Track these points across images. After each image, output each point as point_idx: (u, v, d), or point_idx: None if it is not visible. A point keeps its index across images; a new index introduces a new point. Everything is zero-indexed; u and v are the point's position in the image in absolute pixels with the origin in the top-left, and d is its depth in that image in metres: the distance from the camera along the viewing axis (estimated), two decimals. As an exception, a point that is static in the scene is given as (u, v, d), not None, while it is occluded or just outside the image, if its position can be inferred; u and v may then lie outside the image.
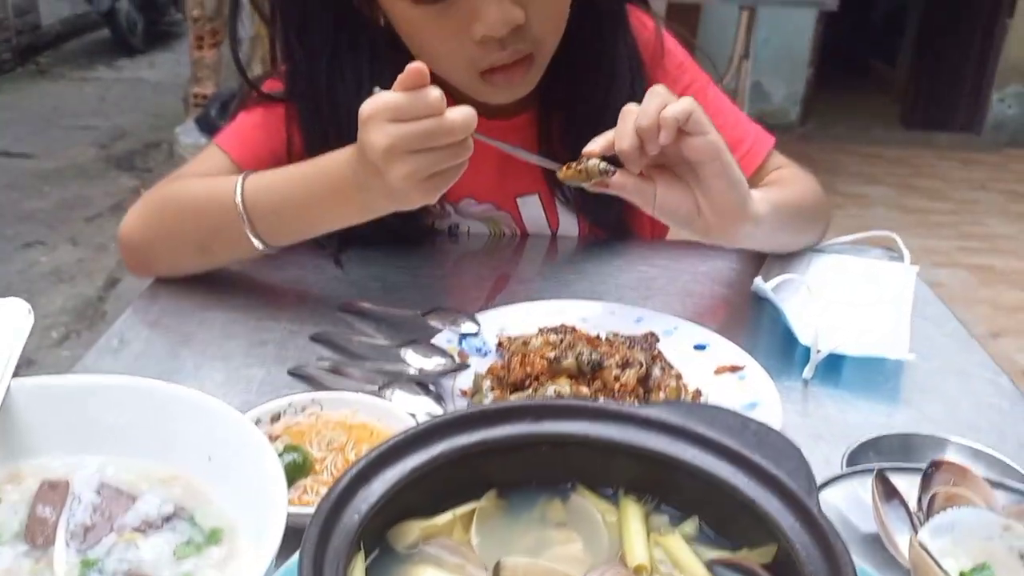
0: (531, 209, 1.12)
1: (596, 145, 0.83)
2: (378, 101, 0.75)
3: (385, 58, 0.97)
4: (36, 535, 0.49)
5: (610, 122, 1.01)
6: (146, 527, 0.50)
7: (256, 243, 0.89)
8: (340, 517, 0.46)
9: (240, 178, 0.88)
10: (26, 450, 0.55)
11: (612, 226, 1.15)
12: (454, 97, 1.02)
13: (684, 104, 0.80)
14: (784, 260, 0.98)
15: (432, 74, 0.92)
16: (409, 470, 0.50)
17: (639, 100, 1.00)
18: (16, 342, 0.57)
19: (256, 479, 0.50)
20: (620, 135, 0.82)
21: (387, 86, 0.83)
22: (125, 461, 0.55)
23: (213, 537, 0.50)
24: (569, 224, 1.13)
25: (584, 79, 1.03)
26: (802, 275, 0.93)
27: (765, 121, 4.67)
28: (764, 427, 0.54)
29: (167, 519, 0.51)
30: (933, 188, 4.96)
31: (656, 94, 0.82)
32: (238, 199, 0.87)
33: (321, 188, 0.84)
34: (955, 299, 3.80)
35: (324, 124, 0.98)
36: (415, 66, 0.74)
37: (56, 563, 0.48)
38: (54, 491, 0.52)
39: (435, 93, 0.74)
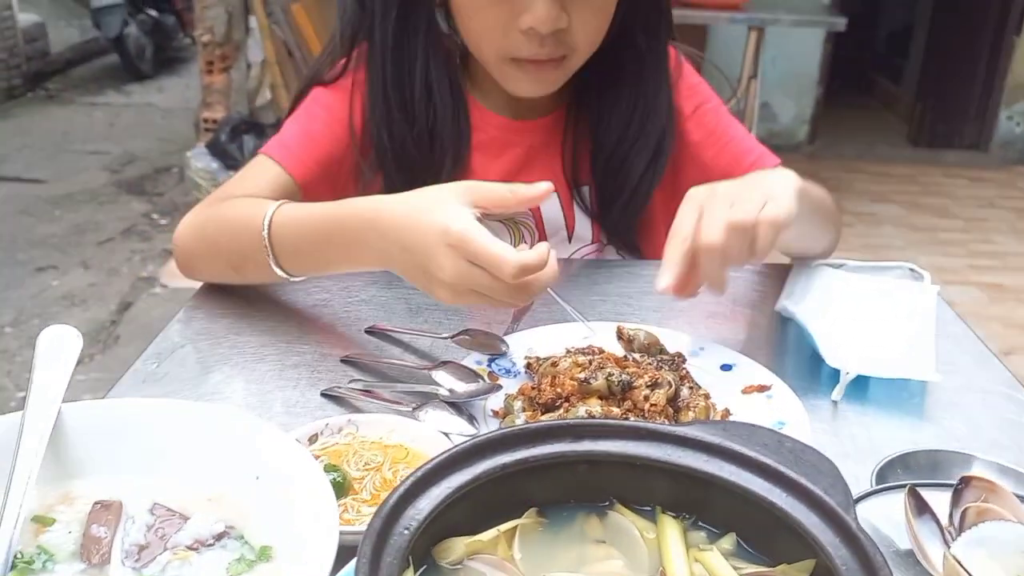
0: (551, 207, 1.16)
1: (666, 281, 0.81)
2: (471, 241, 0.74)
3: (438, 32, 1.08)
4: (92, 554, 0.51)
5: (637, 147, 1.06)
6: (199, 545, 0.52)
7: (280, 273, 0.92)
8: (390, 534, 0.47)
9: (271, 210, 0.91)
10: (76, 472, 0.57)
11: (624, 240, 1.20)
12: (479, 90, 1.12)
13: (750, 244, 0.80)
14: (806, 280, 0.99)
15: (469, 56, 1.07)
16: (453, 488, 0.51)
17: (671, 130, 1.08)
18: (66, 368, 0.58)
19: (304, 497, 0.51)
20: (711, 280, 0.82)
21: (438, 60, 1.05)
22: (173, 481, 0.56)
23: (263, 554, 0.52)
24: (584, 227, 1.18)
25: (619, 95, 1.12)
26: (826, 296, 0.94)
27: (773, 142, 4.71)
28: (800, 444, 0.55)
29: (218, 537, 0.52)
30: (942, 206, 4.97)
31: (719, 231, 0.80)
32: (265, 231, 0.90)
33: (340, 242, 0.86)
34: (966, 317, 3.79)
35: (387, 89, 1.07)
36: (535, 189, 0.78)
37: (112, 581, 0.49)
38: (107, 511, 0.53)
39: (514, 266, 0.74)
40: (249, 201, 0.97)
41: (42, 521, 0.53)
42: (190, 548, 0.51)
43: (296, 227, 0.90)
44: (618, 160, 1.12)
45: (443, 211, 0.77)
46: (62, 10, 8.38)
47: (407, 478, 0.50)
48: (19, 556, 0.50)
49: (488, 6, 0.98)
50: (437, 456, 0.52)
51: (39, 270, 4.16)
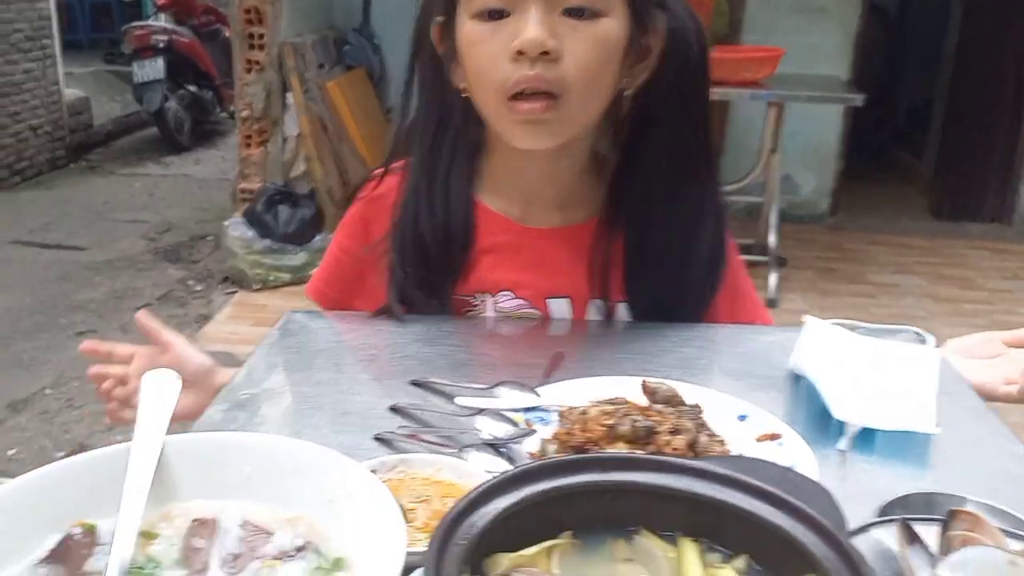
0: (559, 310, 1.21)
1: None
2: None
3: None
4: (194, 562, 0.59)
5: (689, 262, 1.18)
6: (282, 556, 0.60)
7: None
8: (450, 544, 0.55)
9: None
10: (174, 495, 0.65)
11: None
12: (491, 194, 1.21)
13: None
14: (818, 340, 1.06)
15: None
16: (500, 509, 0.60)
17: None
18: (167, 404, 0.67)
19: (373, 518, 0.60)
20: None
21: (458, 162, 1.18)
22: (256, 505, 0.65)
23: (337, 564, 0.60)
24: None
25: (663, 201, 1.17)
26: (835, 354, 1.02)
27: (796, 213, 4.82)
28: (800, 476, 0.63)
29: (298, 550, 0.61)
30: (965, 277, 5.02)
31: None
32: None
33: None
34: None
35: (419, 184, 1.18)
36: None
37: (213, 584, 0.58)
38: (204, 527, 0.62)
39: None
40: None
41: (148, 535, 0.61)
42: (275, 558, 0.60)
43: None
44: (666, 275, 1.18)
45: None
46: (105, 85, 8.73)
47: (462, 499, 0.58)
48: (132, 563, 0.59)
49: (486, 38, 1.04)
50: (486, 481, 0.60)
51: (79, 334, 4.30)
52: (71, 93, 7.62)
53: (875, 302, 4.60)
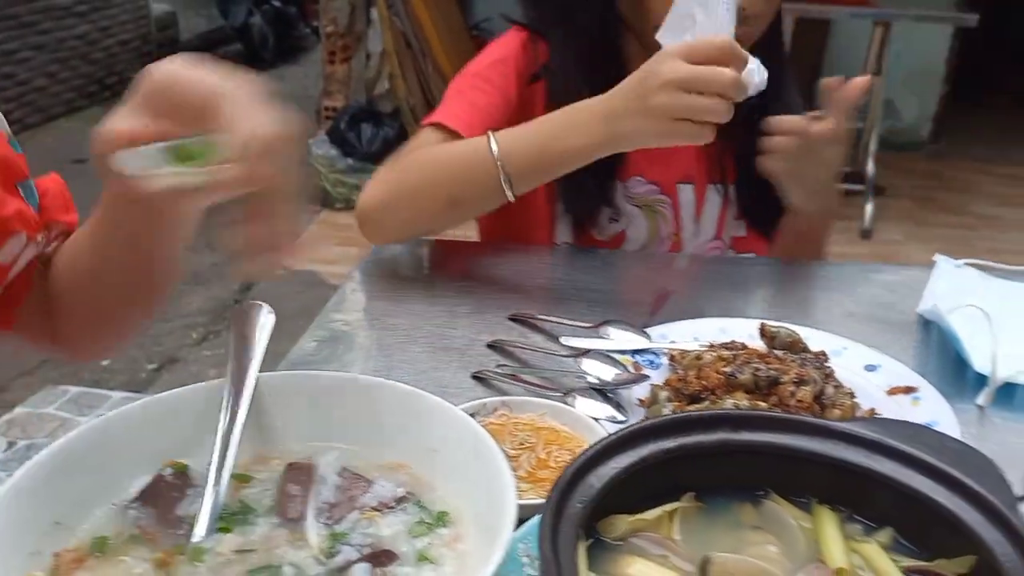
0: (686, 196, 1.24)
1: None
2: (684, 44, 0.90)
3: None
4: (288, 510, 0.55)
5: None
6: (383, 507, 0.56)
7: (508, 193, 1.02)
8: (567, 506, 0.50)
9: (489, 135, 1.02)
10: (268, 436, 0.62)
11: (764, 226, 1.25)
12: None
13: None
14: (951, 283, 0.98)
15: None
16: (620, 469, 0.54)
17: None
18: (261, 340, 0.63)
19: (480, 471, 0.55)
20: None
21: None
22: (354, 450, 0.61)
23: (440, 519, 0.55)
24: (709, 222, 1.25)
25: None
26: (972, 299, 0.93)
27: (895, 139, 4.56)
28: (963, 445, 0.56)
29: (399, 500, 0.56)
30: (1080, 212, 4.75)
31: None
32: (494, 150, 1.01)
33: (568, 125, 0.98)
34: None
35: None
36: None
37: (309, 534, 0.54)
38: (300, 472, 0.58)
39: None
40: (447, 146, 1.08)
41: (241, 479, 0.58)
42: (374, 509, 0.56)
43: (523, 136, 1.01)
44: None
45: None
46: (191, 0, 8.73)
47: (579, 456, 0.53)
48: (225, 508, 0.55)
49: None
50: (606, 438, 0.54)
51: (167, 249, 4.36)
52: (158, 7, 7.64)
53: (976, 235, 4.38)
